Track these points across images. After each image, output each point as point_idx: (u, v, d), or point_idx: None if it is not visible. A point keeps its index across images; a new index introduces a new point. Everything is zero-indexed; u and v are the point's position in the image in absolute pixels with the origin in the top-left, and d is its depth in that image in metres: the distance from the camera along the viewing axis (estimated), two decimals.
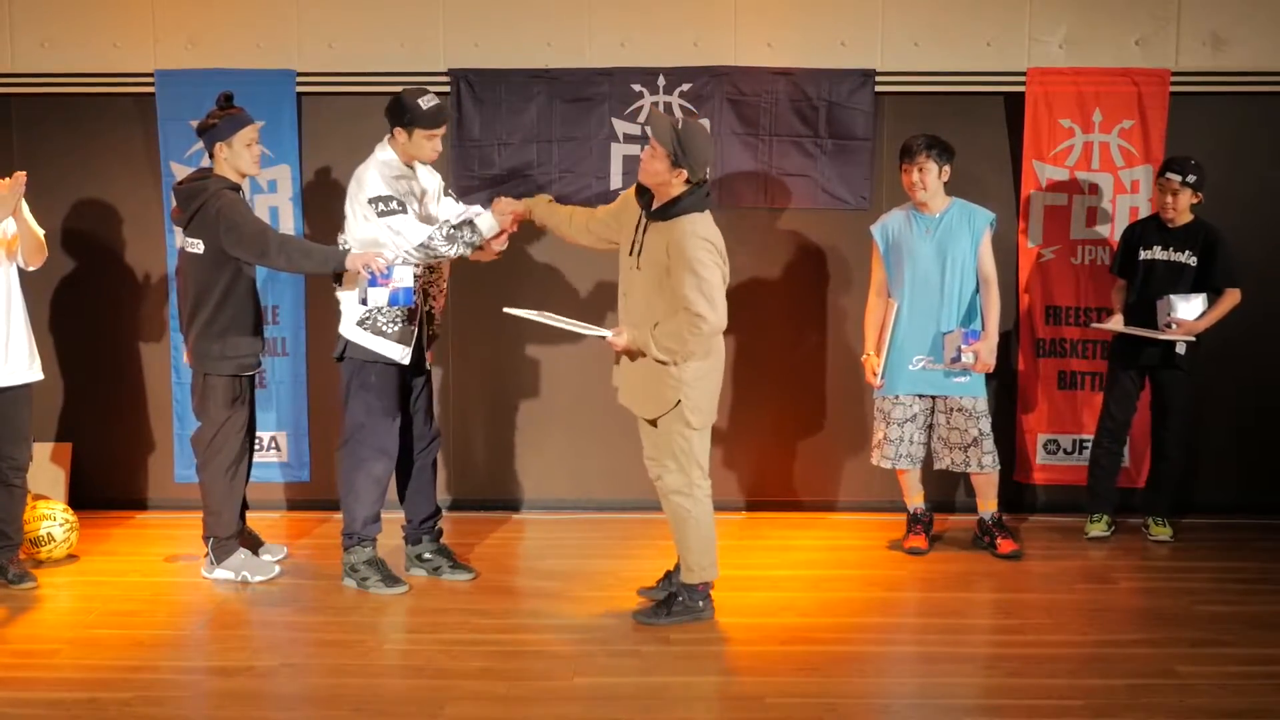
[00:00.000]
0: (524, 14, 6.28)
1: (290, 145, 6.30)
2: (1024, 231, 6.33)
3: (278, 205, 6.32)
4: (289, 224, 6.30)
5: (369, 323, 5.19)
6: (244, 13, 6.28)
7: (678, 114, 6.19)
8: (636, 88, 6.28)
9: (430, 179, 5.40)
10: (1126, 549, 5.97)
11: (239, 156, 5.27)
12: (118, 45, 6.29)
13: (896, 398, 5.79)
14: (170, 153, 6.27)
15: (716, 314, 4.72)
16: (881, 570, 5.67)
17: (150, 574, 5.62)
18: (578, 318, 5.15)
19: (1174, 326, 5.78)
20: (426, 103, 5.09)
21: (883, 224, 5.85)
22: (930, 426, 5.86)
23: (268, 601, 5.29)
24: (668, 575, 5.25)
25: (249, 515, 5.68)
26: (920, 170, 5.65)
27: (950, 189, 5.77)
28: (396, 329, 5.20)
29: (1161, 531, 6.07)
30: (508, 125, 6.30)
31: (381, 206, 5.06)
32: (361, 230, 5.13)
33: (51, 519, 5.67)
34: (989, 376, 5.81)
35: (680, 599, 4.99)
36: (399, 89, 5.20)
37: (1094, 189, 6.29)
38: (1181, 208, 5.84)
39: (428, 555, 5.53)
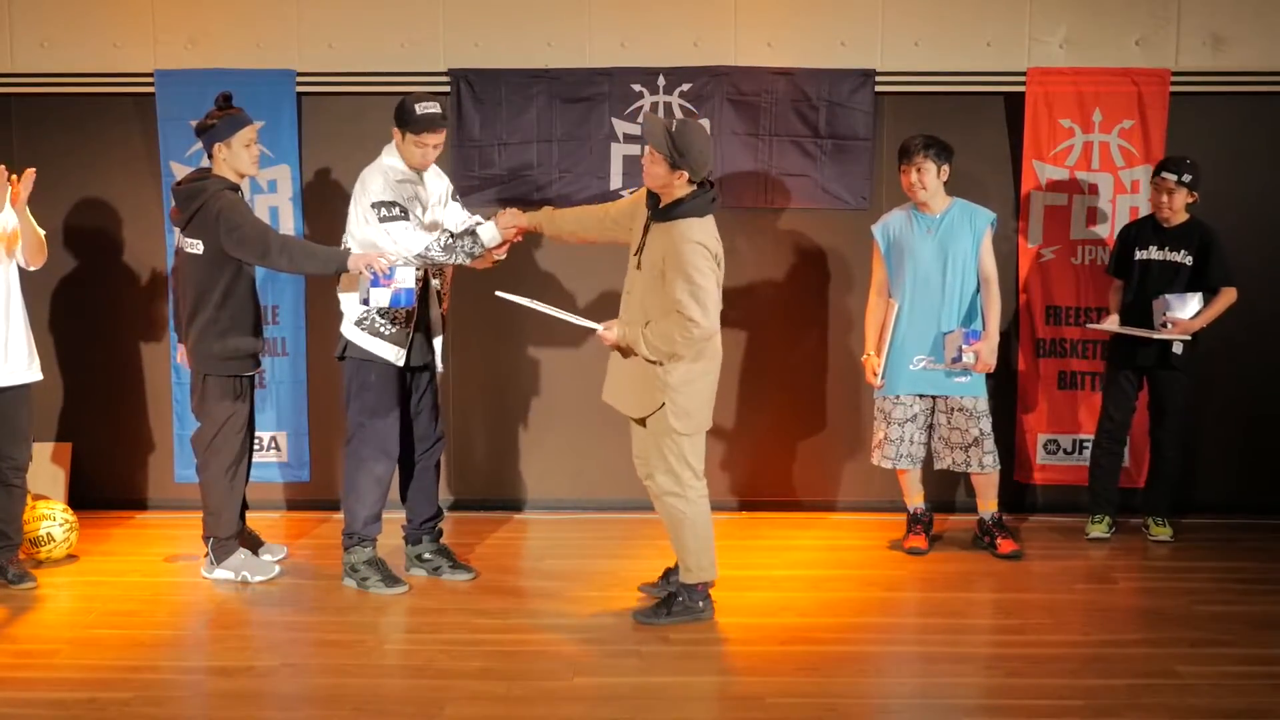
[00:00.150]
0: (524, 14, 6.27)
1: (290, 145, 6.30)
2: (1024, 231, 6.33)
3: (277, 205, 6.33)
4: (289, 224, 6.31)
5: (366, 323, 5.19)
6: (244, 13, 6.28)
7: (678, 114, 6.20)
8: (636, 88, 6.28)
9: (438, 183, 5.38)
10: (1127, 549, 5.97)
11: (238, 157, 5.27)
12: (117, 45, 6.30)
13: (897, 398, 5.79)
14: (170, 153, 6.27)
15: (708, 319, 4.73)
16: (881, 570, 5.67)
17: (150, 574, 5.61)
18: (576, 315, 5.15)
19: (1170, 326, 5.78)
20: (421, 109, 5.04)
21: (884, 224, 5.85)
22: (931, 426, 5.86)
23: (268, 601, 5.29)
24: (668, 572, 5.25)
25: (249, 515, 5.68)
26: (919, 170, 5.64)
27: (950, 189, 5.76)
28: (392, 330, 5.19)
29: (1161, 531, 6.07)
30: (508, 125, 6.29)
31: (383, 212, 5.05)
32: (364, 232, 5.13)
33: (51, 519, 5.67)
34: (989, 376, 5.81)
35: (680, 599, 4.99)
36: (399, 89, 5.19)
37: (1094, 189, 6.28)
38: (1177, 207, 5.83)
39: (428, 555, 5.53)
